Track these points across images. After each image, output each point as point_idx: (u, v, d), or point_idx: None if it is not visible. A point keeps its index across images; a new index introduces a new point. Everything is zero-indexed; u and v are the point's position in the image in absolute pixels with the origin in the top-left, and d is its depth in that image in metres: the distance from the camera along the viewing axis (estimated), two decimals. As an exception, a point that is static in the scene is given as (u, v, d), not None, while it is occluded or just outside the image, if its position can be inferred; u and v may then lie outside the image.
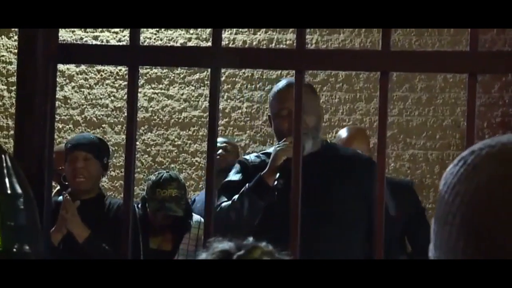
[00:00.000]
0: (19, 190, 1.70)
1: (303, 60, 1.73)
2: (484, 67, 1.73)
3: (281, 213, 2.90)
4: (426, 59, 1.65)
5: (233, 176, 3.08)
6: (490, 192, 0.83)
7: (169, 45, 5.30)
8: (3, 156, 1.72)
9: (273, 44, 5.81)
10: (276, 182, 2.92)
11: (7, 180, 1.71)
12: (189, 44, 5.79)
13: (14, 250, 1.67)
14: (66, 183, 3.75)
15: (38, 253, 1.73)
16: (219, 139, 4.25)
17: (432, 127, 5.88)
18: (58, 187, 4.17)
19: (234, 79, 6.10)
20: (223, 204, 3.00)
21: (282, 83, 3.19)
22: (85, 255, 3.48)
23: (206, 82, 5.98)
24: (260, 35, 5.87)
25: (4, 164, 1.72)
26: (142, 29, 1.89)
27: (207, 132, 1.65)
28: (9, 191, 1.70)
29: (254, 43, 5.72)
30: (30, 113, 1.83)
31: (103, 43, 5.30)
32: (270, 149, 3.11)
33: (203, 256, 1.20)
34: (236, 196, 2.98)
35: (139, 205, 4.08)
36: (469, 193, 0.85)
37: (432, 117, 5.89)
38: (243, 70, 5.92)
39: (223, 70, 6.49)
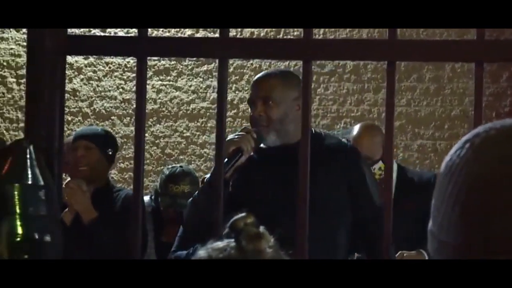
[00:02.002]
0: (41, 181, 1.72)
1: (310, 50, 1.73)
2: (491, 55, 1.73)
3: (235, 205, 2.89)
4: (433, 48, 1.65)
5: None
6: (495, 172, 0.85)
7: (177, 36, 5.31)
8: (28, 148, 1.74)
9: (281, 35, 5.81)
10: (228, 174, 2.85)
11: (29, 171, 1.73)
12: (197, 35, 5.80)
13: (35, 239, 1.69)
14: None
15: (58, 244, 1.74)
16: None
17: (441, 117, 5.88)
18: (69, 179, 4.19)
19: (242, 70, 6.10)
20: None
21: (264, 72, 3.15)
22: (90, 238, 3.49)
23: (214, 74, 5.98)
24: (267, 26, 5.88)
25: (28, 156, 1.74)
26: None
27: (216, 123, 1.65)
28: (31, 182, 1.73)
29: (262, 33, 5.72)
30: (39, 105, 1.84)
31: (112, 35, 5.31)
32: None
33: (200, 252, 1.23)
34: (196, 192, 3.00)
35: (152, 197, 4.09)
36: (474, 173, 0.87)
37: (440, 107, 5.89)
38: (251, 61, 5.93)
39: (230, 61, 6.53)
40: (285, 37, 5.74)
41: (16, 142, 1.82)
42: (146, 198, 4.05)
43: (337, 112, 5.90)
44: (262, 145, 3.00)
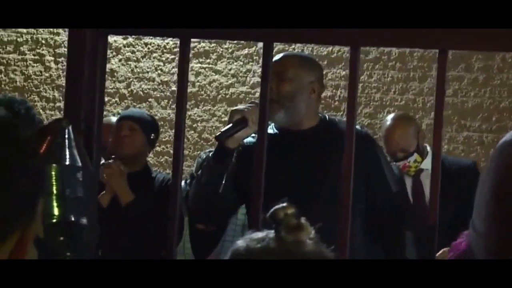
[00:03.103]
0: (79, 163, 1.73)
1: (357, 36, 1.72)
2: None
3: (243, 178, 2.88)
4: (485, 37, 1.63)
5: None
6: None
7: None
8: (66, 128, 1.75)
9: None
10: (232, 144, 2.86)
11: (67, 151, 1.74)
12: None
13: (72, 220, 1.71)
14: (112, 157, 3.79)
15: (95, 227, 1.76)
16: None
17: (489, 108, 5.81)
18: (109, 160, 4.22)
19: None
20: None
21: (287, 52, 3.17)
22: (126, 220, 3.53)
23: (255, 58, 5.97)
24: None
25: (67, 136, 1.75)
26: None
27: (258, 111, 1.65)
28: (68, 162, 1.74)
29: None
30: (79, 85, 1.85)
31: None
32: (269, 128, 3.07)
33: (238, 242, 1.24)
34: (199, 171, 3.02)
35: (187, 181, 4.10)
36: None
37: (489, 98, 5.81)
38: (292, 46, 5.91)
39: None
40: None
41: (55, 121, 1.83)
42: (182, 183, 4.06)
43: (380, 100, 5.86)
44: (271, 129, 3.01)
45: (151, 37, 5.87)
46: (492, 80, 5.82)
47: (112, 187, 3.60)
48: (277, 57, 3.03)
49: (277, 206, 1.29)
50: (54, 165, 1.79)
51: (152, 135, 3.80)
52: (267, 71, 1.73)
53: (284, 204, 1.27)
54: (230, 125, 2.88)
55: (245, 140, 2.98)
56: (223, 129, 2.92)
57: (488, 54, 5.63)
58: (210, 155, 3.00)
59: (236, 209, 3.20)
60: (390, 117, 4.14)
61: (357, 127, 3.09)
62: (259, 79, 6.10)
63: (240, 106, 2.97)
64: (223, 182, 2.92)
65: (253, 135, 2.93)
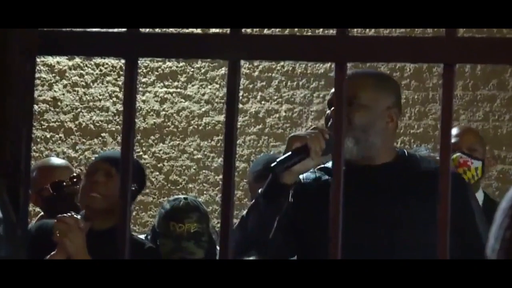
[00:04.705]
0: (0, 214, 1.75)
1: (345, 50, 1.75)
2: None
3: (298, 223, 2.89)
4: (500, 47, 1.66)
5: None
6: None
7: (175, 31, 5.35)
8: None
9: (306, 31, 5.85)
10: (289, 180, 2.86)
11: None
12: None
13: None
14: (78, 203, 3.80)
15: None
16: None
17: (528, 135, 5.87)
18: (42, 213, 4.24)
19: (270, 74, 6.13)
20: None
21: (353, 70, 3.22)
22: None
23: (234, 79, 6.03)
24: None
25: None
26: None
27: (223, 143, 1.68)
28: None
29: (286, 30, 5.75)
30: (1, 118, 1.87)
31: (95, 30, 5.37)
32: (331, 163, 3.13)
33: None
34: (244, 212, 3.02)
35: (148, 237, 4.10)
36: None
37: (528, 122, 5.88)
38: (281, 63, 5.96)
39: (255, 64, 6.55)
40: (313, 33, 5.77)
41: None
42: (142, 237, 4.07)
43: (392, 128, 5.91)
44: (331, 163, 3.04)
45: (102, 57, 5.91)
46: (532, 100, 5.89)
47: (66, 247, 3.60)
48: (347, 74, 3.08)
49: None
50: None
51: (134, 184, 3.79)
52: (235, 95, 1.76)
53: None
54: (289, 154, 2.87)
55: (302, 176, 2.98)
56: (279, 159, 2.90)
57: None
58: (259, 191, 2.97)
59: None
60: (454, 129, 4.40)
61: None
62: (241, 105, 6.12)
63: (300, 132, 2.97)
64: (274, 226, 2.92)
65: (311, 170, 2.96)
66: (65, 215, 3.63)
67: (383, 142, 3.01)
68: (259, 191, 2.96)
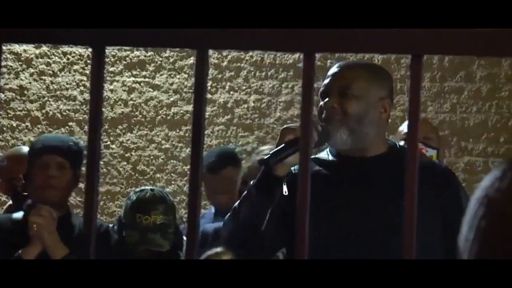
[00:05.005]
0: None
1: (313, 41, 1.75)
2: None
3: (290, 214, 2.92)
4: (471, 38, 1.67)
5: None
6: None
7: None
8: None
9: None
10: (281, 171, 2.89)
11: None
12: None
13: None
14: (25, 193, 3.78)
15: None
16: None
17: (495, 127, 5.89)
18: (10, 202, 4.21)
19: (239, 64, 6.13)
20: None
21: (345, 61, 3.23)
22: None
23: (202, 68, 6.01)
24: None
25: None
26: None
27: (191, 133, 1.67)
28: None
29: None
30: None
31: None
32: (322, 153, 3.12)
33: None
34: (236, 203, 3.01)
35: (115, 228, 4.07)
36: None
37: (495, 114, 5.90)
38: (250, 53, 5.96)
39: (224, 53, 6.55)
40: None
41: None
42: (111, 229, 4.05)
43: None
44: (326, 154, 3.04)
45: (69, 45, 5.88)
46: (499, 92, 5.91)
47: (44, 240, 3.58)
48: (339, 65, 3.07)
49: (210, 253, 1.32)
50: None
51: (79, 169, 3.78)
52: (203, 86, 1.75)
53: (218, 250, 1.31)
54: (282, 146, 2.89)
55: (294, 168, 2.98)
56: (272, 151, 2.94)
57: (494, 60, 5.72)
58: (252, 183, 2.99)
59: (275, 252, 3.22)
60: (406, 123, 4.44)
61: (436, 161, 3.14)
62: (210, 95, 6.12)
63: (293, 124, 2.97)
64: (266, 218, 2.93)
65: None
66: (38, 208, 3.61)
67: (376, 133, 3.03)
68: (251, 182, 2.99)
